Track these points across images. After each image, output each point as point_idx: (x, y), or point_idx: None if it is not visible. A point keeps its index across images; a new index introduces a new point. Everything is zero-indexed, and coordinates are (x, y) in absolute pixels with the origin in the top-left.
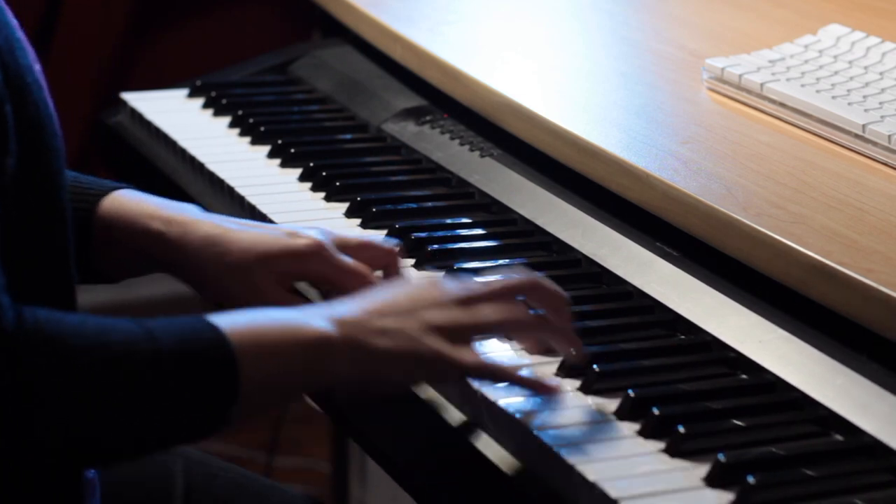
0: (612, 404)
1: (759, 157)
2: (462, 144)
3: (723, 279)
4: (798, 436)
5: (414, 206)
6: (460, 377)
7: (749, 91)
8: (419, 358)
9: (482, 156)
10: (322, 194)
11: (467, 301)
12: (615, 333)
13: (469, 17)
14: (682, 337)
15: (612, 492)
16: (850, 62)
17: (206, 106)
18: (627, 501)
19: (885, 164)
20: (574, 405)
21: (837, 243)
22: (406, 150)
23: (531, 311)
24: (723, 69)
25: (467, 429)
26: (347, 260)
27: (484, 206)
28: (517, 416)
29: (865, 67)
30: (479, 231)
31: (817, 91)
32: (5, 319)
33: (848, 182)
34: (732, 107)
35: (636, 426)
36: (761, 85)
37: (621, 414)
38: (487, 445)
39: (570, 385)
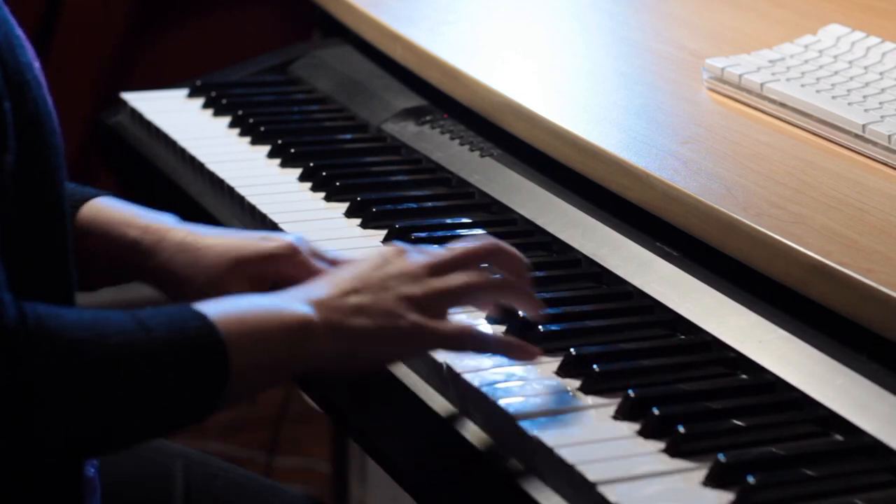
0: (612, 404)
1: (759, 157)
2: (462, 144)
3: (723, 279)
4: (798, 436)
5: (414, 206)
6: (440, 347)
7: (749, 91)
8: (398, 331)
9: (482, 156)
10: (322, 194)
11: (435, 270)
12: (615, 333)
13: (469, 17)
14: (682, 337)
15: (612, 493)
16: (850, 62)
17: (206, 106)
18: (627, 502)
19: (885, 164)
20: (574, 405)
21: (837, 243)
22: (406, 150)
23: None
24: (723, 69)
25: (467, 429)
26: (321, 265)
27: (484, 206)
28: (517, 415)
29: (865, 67)
30: (479, 231)
31: (817, 91)
32: (7, 316)
33: (848, 182)
34: (732, 107)
35: (636, 426)
36: (761, 85)
37: (621, 414)
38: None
39: (570, 385)
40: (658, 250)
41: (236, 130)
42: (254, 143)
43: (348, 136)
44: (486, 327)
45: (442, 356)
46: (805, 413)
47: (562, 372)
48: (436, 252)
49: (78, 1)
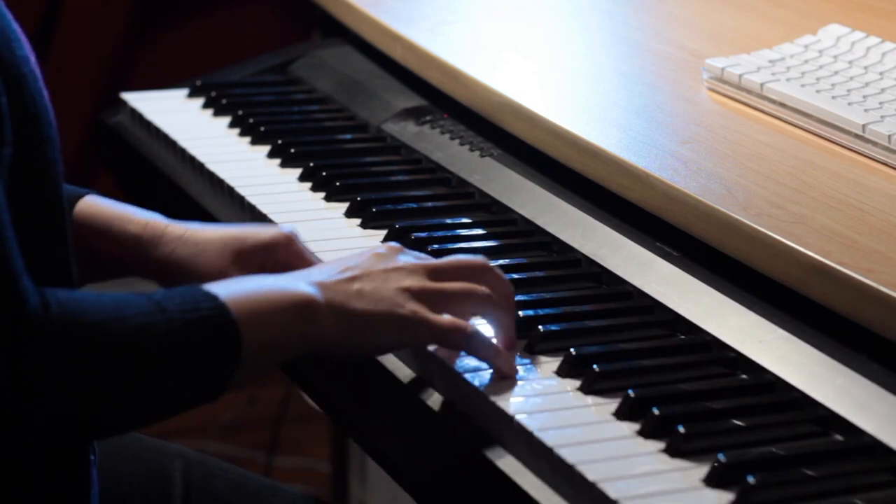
0: (612, 404)
1: (759, 157)
2: (462, 144)
3: (723, 279)
4: (798, 436)
5: (414, 206)
6: (435, 340)
7: (749, 91)
8: (399, 319)
9: (482, 156)
10: (322, 194)
11: (430, 272)
12: (615, 333)
13: (469, 17)
14: (682, 337)
15: (612, 492)
16: (850, 62)
17: (206, 106)
18: (627, 501)
19: (885, 164)
20: (574, 405)
21: (837, 243)
22: (406, 150)
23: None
24: (723, 69)
25: (467, 429)
26: (312, 257)
27: (484, 206)
28: (516, 416)
29: (865, 67)
30: (479, 231)
31: (817, 91)
32: (31, 303)
33: (848, 182)
34: (732, 107)
35: (636, 426)
36: (761, 85)
37: (621, 414)
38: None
39: (570, 385)
40: (658, 250)
41: (236, 130)
42: (254, 143)
43: (348, 136)
44: (483, 328)
45: (442, 355)
46: (805, 413)
47: (562, 372)
48: (430, 259)
49: (78, 1)
